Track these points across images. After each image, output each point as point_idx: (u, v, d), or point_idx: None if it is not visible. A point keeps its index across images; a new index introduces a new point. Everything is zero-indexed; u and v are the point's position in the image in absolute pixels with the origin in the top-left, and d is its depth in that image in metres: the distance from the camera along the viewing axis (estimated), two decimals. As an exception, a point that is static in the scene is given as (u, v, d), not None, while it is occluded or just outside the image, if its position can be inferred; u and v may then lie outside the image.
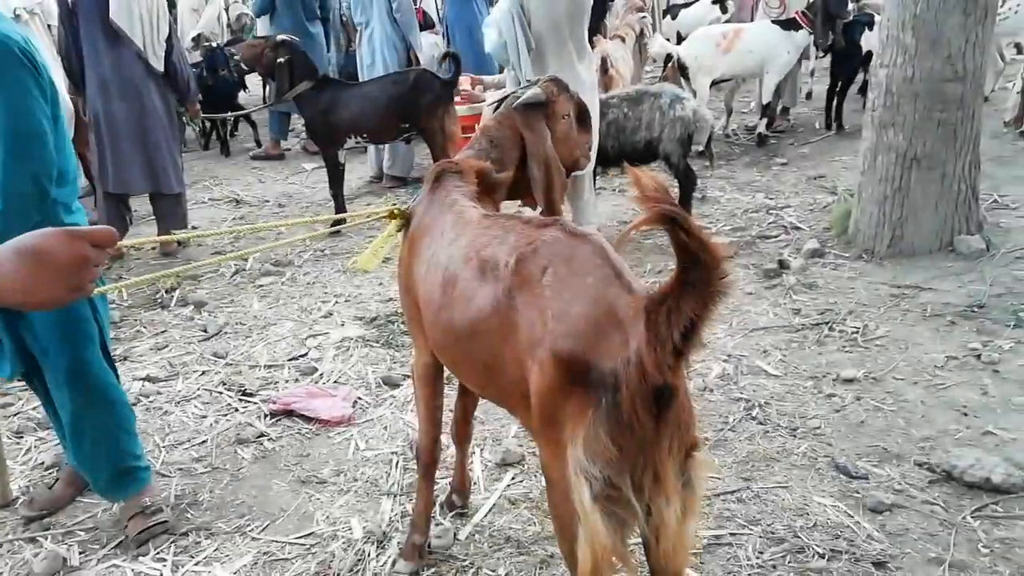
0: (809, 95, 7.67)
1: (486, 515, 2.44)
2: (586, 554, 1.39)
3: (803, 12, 6.08)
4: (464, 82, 5.69)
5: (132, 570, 2.29)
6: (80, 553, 2.37)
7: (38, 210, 2.08)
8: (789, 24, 6.15)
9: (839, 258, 4.24)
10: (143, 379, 3.45)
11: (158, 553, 2.35)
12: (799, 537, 2.24)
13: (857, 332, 3.41)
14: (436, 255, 1.84)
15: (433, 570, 2.22)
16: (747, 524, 2.32)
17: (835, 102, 6.53)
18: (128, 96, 4.82)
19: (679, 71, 6.23)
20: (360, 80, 5.93)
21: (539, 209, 2.27)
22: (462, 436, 2.41)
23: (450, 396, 2.34)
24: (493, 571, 2.21)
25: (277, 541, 2.38)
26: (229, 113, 6.82)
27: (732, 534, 2.28)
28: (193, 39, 8.40)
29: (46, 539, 2.43)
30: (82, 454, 2.36)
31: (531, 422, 1.55)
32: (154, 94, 4.92)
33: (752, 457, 2.64)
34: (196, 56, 7.83)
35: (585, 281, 1.44)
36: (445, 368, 2.05)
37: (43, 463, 2.86)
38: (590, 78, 4.23)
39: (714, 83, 6.32)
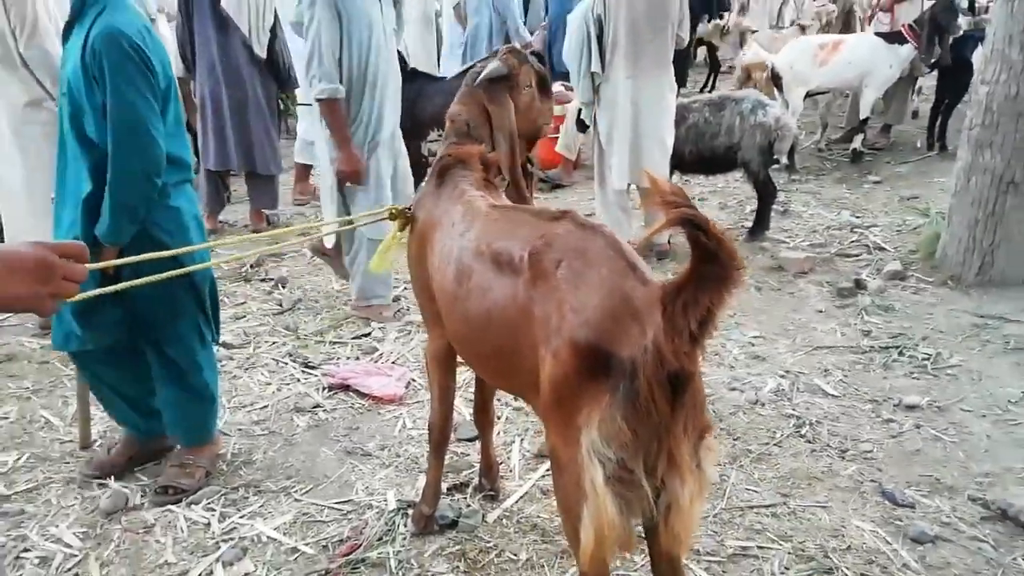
0: (915, 114, 7.31)
1: (516, 502, 2.49)
2: (590, 534, 1.43)
3: (910, 25, 5.82)
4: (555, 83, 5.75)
5: (184, 516, 2.46)
6: (140, 496, 2.57)
7: (144, 195, 2.27)
8: (894, 37, 5.89)
9: (921, 282, 4.05)
10: (220, 344, 3.67)
11: (209, 503, 2.52)
12: (829, 558, 2.18)
13: (928, 359, 3.26)
14: (448, 247, 1.90)
15: (458, 547, 2.29)
16: (777, 539, 2.27)
17: (939, 121, 6.21)
18: (232, 81, 5.14)
19: (773, 81, 6.08)
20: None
21: (506, 183, 2.26)
22: (483, 422, 2.48)
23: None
24: (515, 555, 2.25)
25: (317, 504, 2.51)
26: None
27: (760, 547, 2.24)
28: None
29: (111, 479, 2.65)
30: (163, 404, 2.59)
31: (541, 409, 1.60)
32: (256, 80, 5.23)
33: (794, 474, 2.58)
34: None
35: (600, 273, 1.48)
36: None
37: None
38: (668, 82, 4.23)
39: (809, 95, 6.13)
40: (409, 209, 2.23)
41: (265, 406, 3.15)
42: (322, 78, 3.39)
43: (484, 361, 1.90)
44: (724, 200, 5.73)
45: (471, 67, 2.38)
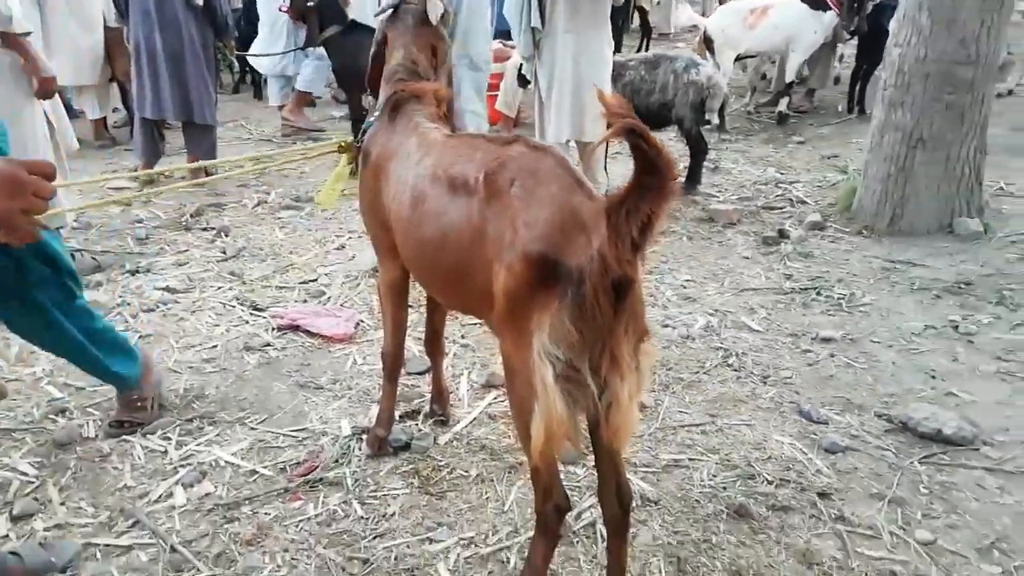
0: (837, 80, 7.67)
1: (466, 426, 2.63)
2: (540, 429, 1.56)
3: (833, -8, 6.11)
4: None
5: (141, 444, 2.51)
6: (96, 428, 2.60)
7: None
8: (818, 4, 6.17)
9: (839, 232, 4.34)
10: (163, 289, 3.68)
11: (164, 433, 2.57)
12: (752, 466, 2.40)
13: (843, 298, 3.53)
14: (403, 176, 2.00)
15: (411, 466, 2.42)
16: (706, 452, 2.48)
17: (858, 86, 6.55)
18: (168, 27, 5.02)
19: (705, 44, 6.29)
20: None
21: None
22: (434, 351, 2.61)
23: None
24: (466, 472, 2.40)
25: (272, 432, 2.59)
26: (262, 53, 6.98)
27: (690, 459, 2.45)
28: None
29: (64, 416, 2.67)
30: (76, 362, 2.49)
31: (494, 320, 1.73)
32: (192, 27, 5.12)
33: (721, 398, 2.79)
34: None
35: (550, 190, 1.60)
36: (410, 284, 2.26)
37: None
38: (607, 37, 4.37)
39: (739, 58, 6.37)
40: (358, 142, 2.29)
41: (215, 346, 3.19)
42: None
43: (440, 282, 2.00)
44: (658, 158, 5.94)
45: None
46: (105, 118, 6.55)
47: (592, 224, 1.51)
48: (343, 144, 2.29)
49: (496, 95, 6.32)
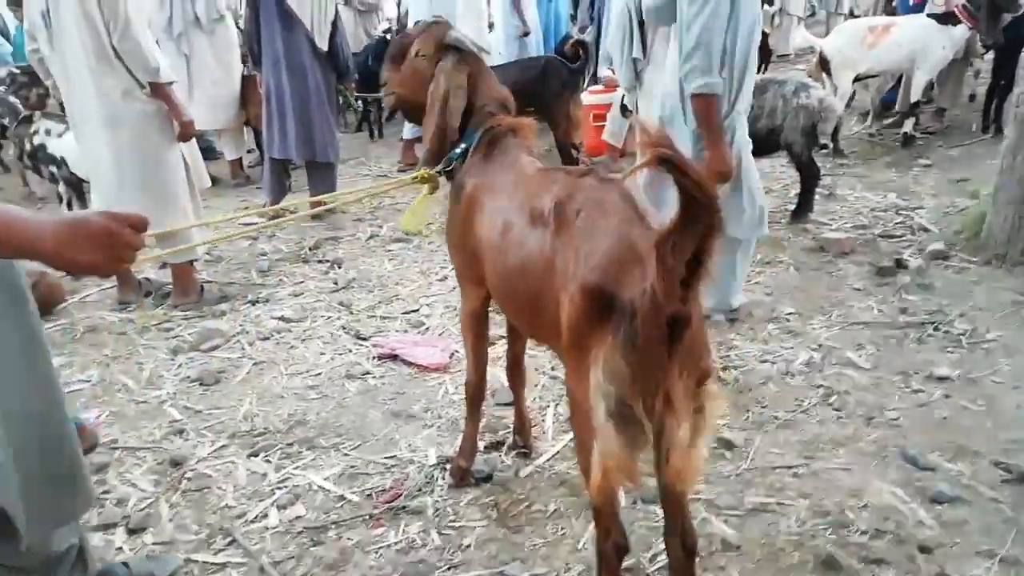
0: (972, 97, 7.14)
1: (548, 460, 2.64)
2: (597, 466, 1.57)
3: (963, 6, 5.71)
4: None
5: (244, 467, 2.70)
6: (209, 448, 2.82)
7: None
8: (946, 18, 5.79)
9: (964, 262, 4.03)
10: (278, 318, 3.93)
11: (266, 456, 2.75)
12: (845, 514, 2.27)
13: (964, 335, 3.28)
14: (498, 207, 2.06)
15: (491, 498, 2.46)
16: (796, 497, 2.37)
17: (995, 103, 6.07)
18: (295, 73, 5.42)
19: (821, 65, 6.04)
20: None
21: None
22: (515, 379, 2.65)
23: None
24: (545, 507, 2.41)
25: (363, 458, 2.71)
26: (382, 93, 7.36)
27: (779, 503, 2.35)
28: (384, 31, 9.07)
29: (181, 436, 2.91)
30: None
31: (563, 353, 1.75)
32: (317, 72, 5.49)
33: (819, 439, 2.66)
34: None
35: (611, 222, 1.62)
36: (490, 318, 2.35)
37: (189, 376, 3.37)
38: None
39: (858, 79, 6.07)
40: (439, 173, 2.36)
41: (319, 373, 3.38)
42: (704, 71, 2.96)
43: (520, 312, 2.05)
44: (769, 184, 5.73)
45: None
46: (241, 159, 7.11)
47: (648, 257, 1.48)
48: (424, 175, 2.39)
49: (603, 125, 6.34)
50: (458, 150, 2.31)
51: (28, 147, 5.14)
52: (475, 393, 2.49)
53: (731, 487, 2.44)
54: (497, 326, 2.75)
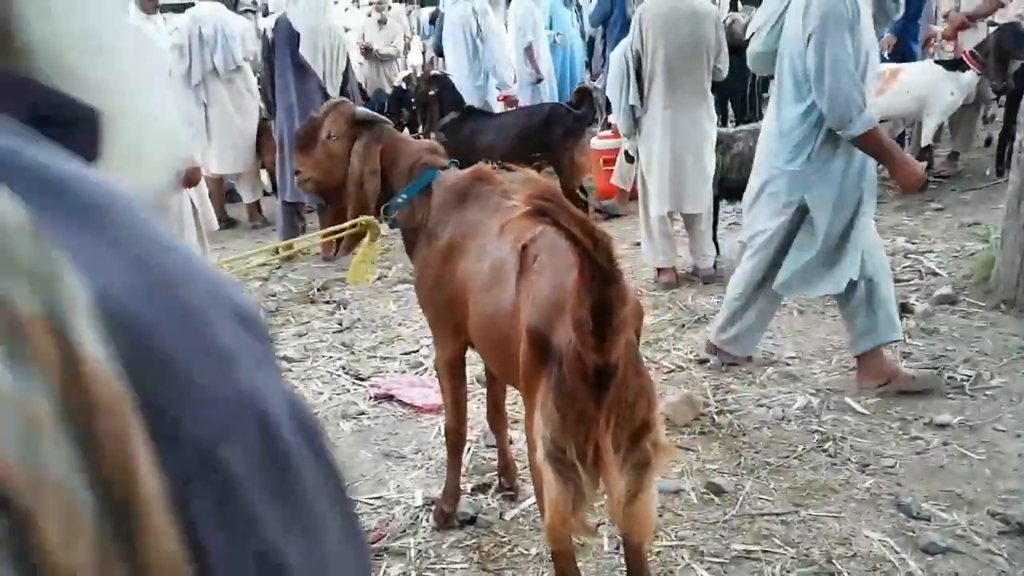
0: (988, 141, 7.09)
1: (532, 503, 2.61)
2: (546, 510, 1.57)
3: (971, 52, 5.72)
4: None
5: (233, 504, 2.71)
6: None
7: None
8: (954, 64, 5.80)
9: (972, 306, 3.97)
10: (282, 358, 3.98)
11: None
12: (832, 563, 2.22)
13: (967, 380, 3.21)
14: (484, 251, 2.06)
15: (474, 540, 2.44)
16: (783, 545, 2.32)
17: (1008, 147, 6.02)
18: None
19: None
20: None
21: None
22: (497, 421, 2.66)
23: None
24: (527, 551, 2.39)
25: (352, 499, 2.71)
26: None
27: (765, 551, 2.30)
28: (404, 79, 9.31)
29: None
30: None
31: (522, 398, 1.77)
32: (328, 119, 5.64)
33: (810, 486, 2.61)
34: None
35: (557, 266, 1.65)
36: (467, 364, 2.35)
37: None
38: (706, 112, 4.35)
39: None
40: (381, 219, 2.38)
41: (316, 412, 3.37)
42: (856, 113, 2.82)
43: (494, 355, 2.07)
44: (778, 228, 5.74)
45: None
46: (258, 202, 7.26)
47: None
48: (363, 223, 2.38)
49: (612, 170, 6.40)
50: (399, 199, 2.33)
51: None
52: (455, 440, 2.49)
53: (717, 533, 2.40)
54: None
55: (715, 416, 3.09)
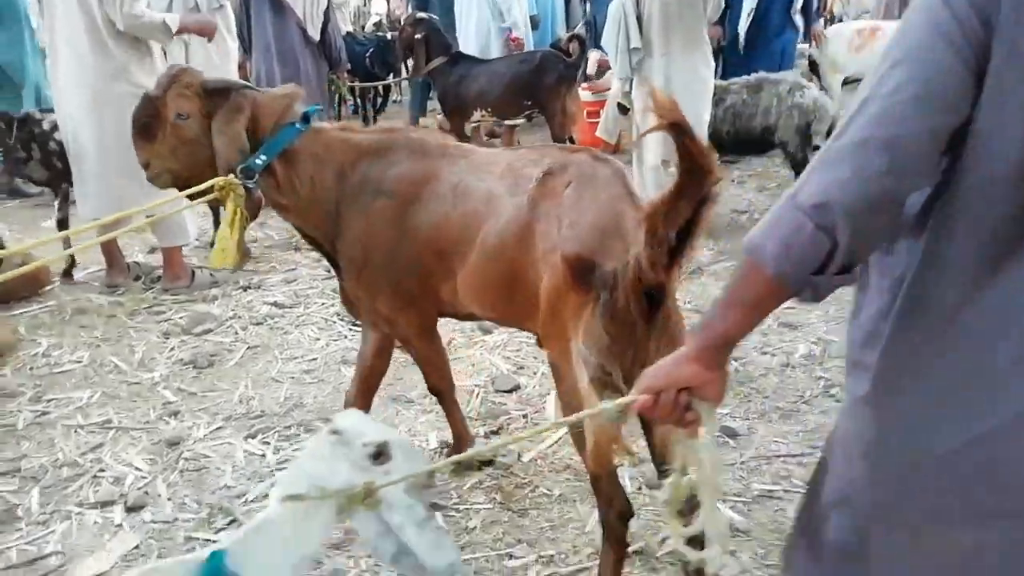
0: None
1: (550, 446, 2.62)
2: (591, 439, 1.56)
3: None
4: (593, 60, 5.88)
5: (242, 448, 2.65)
6: (203, 429, 2.76)
7: None
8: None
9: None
10: (271, 304, 3.88)
11: (264, 438, 2.70)
12: (852, 501, 2.27)
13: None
14: (460, 190, 1.91)
15: (494, 482, 2.43)
16: (803, 484, 2.36)
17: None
18: (286, 60, 5.36)
19: (810, 68, 6.10)
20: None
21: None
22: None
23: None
24: (549, 491, 2.39)
25: (364, 442, 2.67)
26: (375, 83, 7.32)
27: (785, 491, 2.34)
28: (375, 24, 9.01)
29: (176, 418, 2.85)
30: None
31: (540, 329, 1.74)
32: (308, 60, 5.44)
33: (822, 429, 2.66)
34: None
35: (599, 196, 1.65)
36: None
37: (182, 359, 3.30)
38: (702, 59, 4.34)
39: (847, 82, 6.13)
40: (240, 178, 2.02)
41: (314, 358, 3.33)
42: None
43: (497, 295, 1.88)
44: (762, 183, 5.78)
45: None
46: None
47: (633, 232, 1.54)
48: (220, 186, 1.97)
49: (597, 122, 6.35)
50: (258, 160, 2.02)
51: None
52: (449, 394, 2.44)
53: (736, 474, 2.43)
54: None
55: (721, 363, 3.12)
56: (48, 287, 4.08)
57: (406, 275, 2.03)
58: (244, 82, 2.15)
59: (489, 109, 5.53)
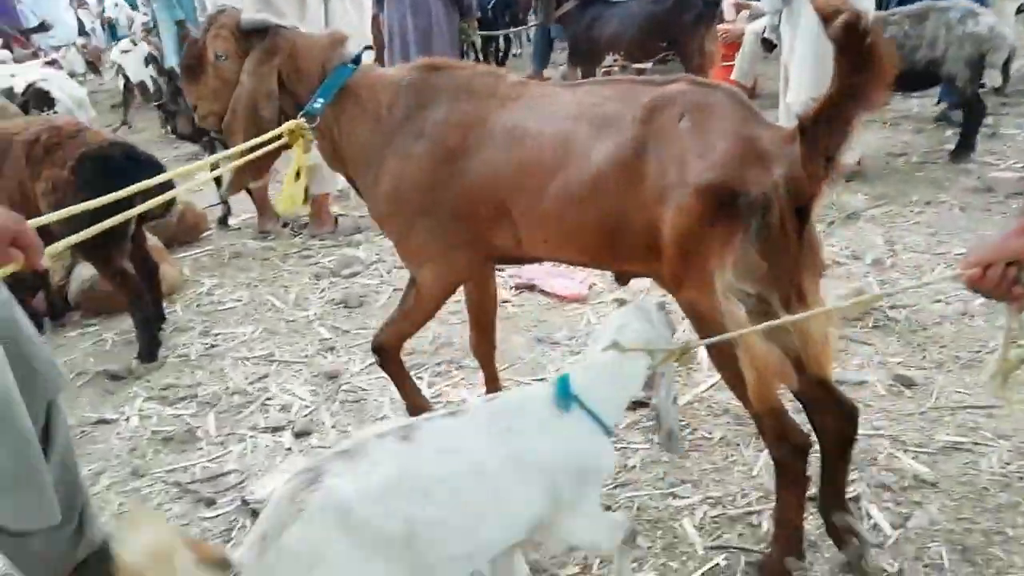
0: None
1: (706, 390, 2.52)
2: (751, 374, 1.47)
3: None
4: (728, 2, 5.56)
5: (396, 383, 2.70)
6: (360, 363, 2.84)
7: None
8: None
9: None
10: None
11: (416, 374, 2.75)
12: (1055, 456, 2.06)
13: None
14: (519, 131, 1.76)
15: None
16: (994, 437, 2.17)
17: None
18: (419, 10, 5.38)
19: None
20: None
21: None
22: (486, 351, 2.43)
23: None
24: (709, 434, 2.30)
25: (513, 380, 2.67)
26: (503, 31, 7.26)
27: (974, 443, 2.15)
28: None
29: (332, 352, 2.95)
30: None
31: (666, 273, 1.61)
32: (440, 9, 5.44)
33: (1014, 379, 2.41)
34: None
35: (723, 123, 1.53)
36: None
37: (334, 299, 3.41)
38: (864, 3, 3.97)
39: (1021, 10, 5.51)
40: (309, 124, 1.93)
41: (458, 300, 3.32)
42: None
43: (584, 237, 1.73)
44: (920, 125, 5.32)
45: None
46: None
47: (773, 152, 1.46)
48: (289, 131, 1.87)
49: (732, 65, 6.03)
50: (316, 104, 1.93)
51: None
52: (394, 357, 2.27)
53: (916, 424, 2.26)
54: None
55: (887, 311, 2.90)
56: (206, 232, 4.31)
57: (451, 214, 1.87)
58: (283, 23, 2.06)
59: (622, 53, 5.35)
